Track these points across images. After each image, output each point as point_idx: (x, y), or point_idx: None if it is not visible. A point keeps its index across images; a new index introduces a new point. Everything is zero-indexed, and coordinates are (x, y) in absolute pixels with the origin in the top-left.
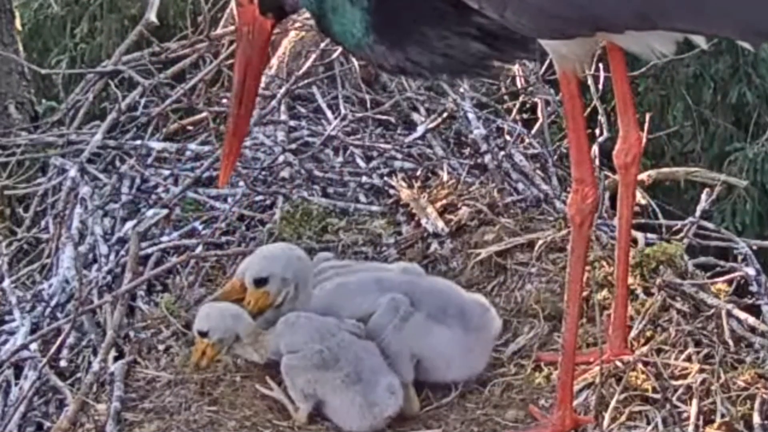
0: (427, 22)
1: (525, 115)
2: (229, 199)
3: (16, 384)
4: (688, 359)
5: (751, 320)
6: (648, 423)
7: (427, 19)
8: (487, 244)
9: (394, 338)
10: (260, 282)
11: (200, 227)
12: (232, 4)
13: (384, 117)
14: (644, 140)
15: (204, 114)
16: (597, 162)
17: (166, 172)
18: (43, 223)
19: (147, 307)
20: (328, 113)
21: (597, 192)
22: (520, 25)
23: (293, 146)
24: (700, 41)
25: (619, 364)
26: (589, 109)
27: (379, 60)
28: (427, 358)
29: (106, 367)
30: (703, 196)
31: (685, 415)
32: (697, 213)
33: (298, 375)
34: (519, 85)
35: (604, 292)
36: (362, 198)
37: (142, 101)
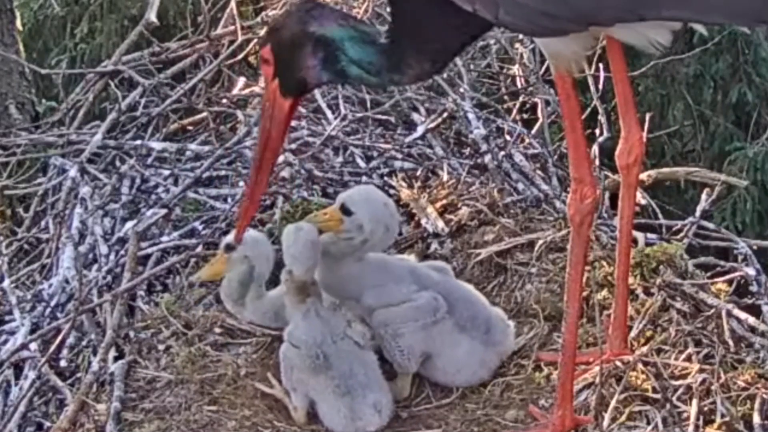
0: (439, 17)
1: (525, 115)
2: (229, 199)
3: (16, 384)
4: (688, 359)
5: (751, 320)
6: (648, 423)
7: (437, 15)
8: (487, 244)
9: (414, 334)
10: (347, 212)
11: (200, 227)
12: (232, 4)
13: (384, 117)
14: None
15: (204, 114)
16: (597, 162)
17: (166, 172)
18: (43, 223)
19: (147, 307)
20: (328, 113)
21: (596, 191)
22: (515, 25)
23: (293, 146)
24: (700, 28)
25: (619, 364)
26: (589, 109)
27: (419, 70)
28: (439, 361)
29: (106, 367)
30: (703, 196)
31: (685, 415)
32: (697, 213)
33: (291, 367)
34: (519, 85)
35: (604, 292)
36: None
37: (142, 101)
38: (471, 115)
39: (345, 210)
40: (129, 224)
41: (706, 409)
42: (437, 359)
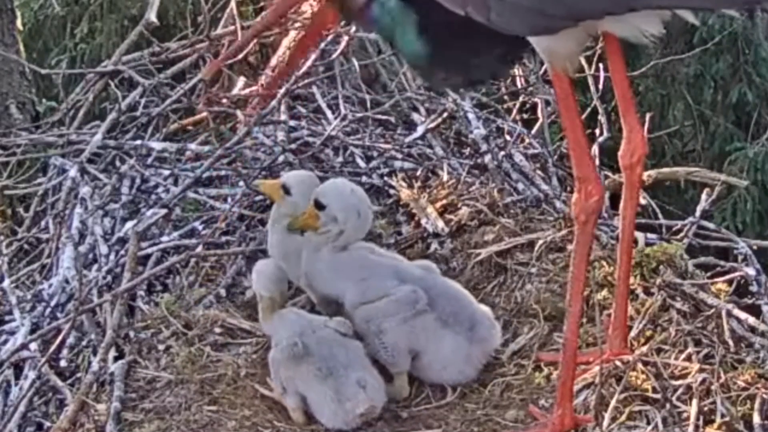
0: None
1: (525, 115)
2: (229, 199)
3: (16, 384)
4: (688, 359)
5: (751, 320)
6: (648, 423)
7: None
8: (487, 244)
9: (396, 329)
10: (320, 206)
11: (200, 227)
12: (232, 4)
13: (384, 117)
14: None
15: (204, 114)
16: (597, 162)
17: (166, 172)
18: (43, 223)
19: (147, 307)
20: (328, 113)
21: (601, 190)
22: (507, 26)
23: (293, 146)
24: (688, 16)
25: (619, 364)
26: (589, 109)
27: (450, 87)
28: (424, 357)
29: (106, 367)
30: (703, 196)
31: (685, 415)
32: (697, 213)
33: (278, 368)
34: (519, 85)
35: (604, 292)
36: None
37: (142, 101)
38: (471, 115)
39: (318, 205)
40: (129, 224)
41: (706, 409)
42: (423, 356)
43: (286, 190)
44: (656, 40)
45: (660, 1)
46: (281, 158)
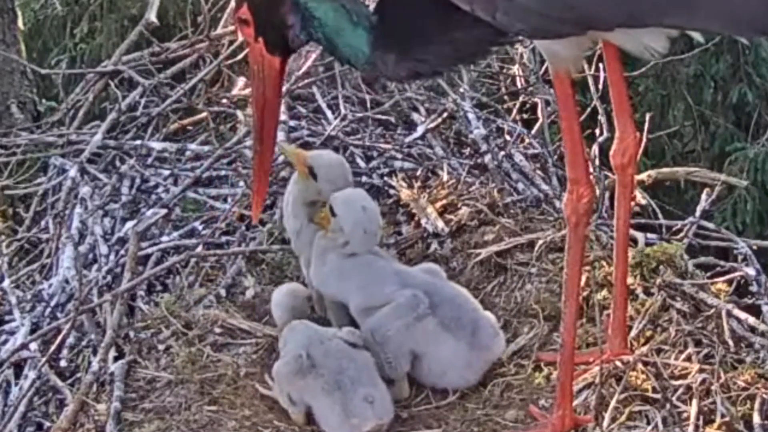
0: (429, 21)
1: (525, 115)
2: (229, 199)
3: (16, 384)
4: (688, 359)
5: (751, 320)
6: (648, 423)
7: (428, 19)
8: (487, 244)
9: (398, 335)
10: (333, 213)
11: (200, 227)
12: (232, 4)
13: (384, 117)
14: (644, 140)
15: (204, 114)
16: (597, 162)
17: (166, 172)
18: (43, 223)
19: (147, 307)
20: (328, 113)
21: (592, 192)
22: (512, 27)
23: (293, 146)
24: (698, 36)
25: (619, 364)
26: (589, 109)
27: (393, 71)
28: (424, 361)
29: (106, 367)
30: (703, 196)
31: (685, 415)
32: (697, 213)
33: (282, 381)
34: (519, 85)
35: (604, 292)
36: None
37: (142, 101)
38: (471, 115)
39: (332, 211)
40: (129, 224)
41: (706, 409)
42: (423, 359)
43: (313, 174)
44: (657, 54)
45: (672, 20)
46: (281, 158)
